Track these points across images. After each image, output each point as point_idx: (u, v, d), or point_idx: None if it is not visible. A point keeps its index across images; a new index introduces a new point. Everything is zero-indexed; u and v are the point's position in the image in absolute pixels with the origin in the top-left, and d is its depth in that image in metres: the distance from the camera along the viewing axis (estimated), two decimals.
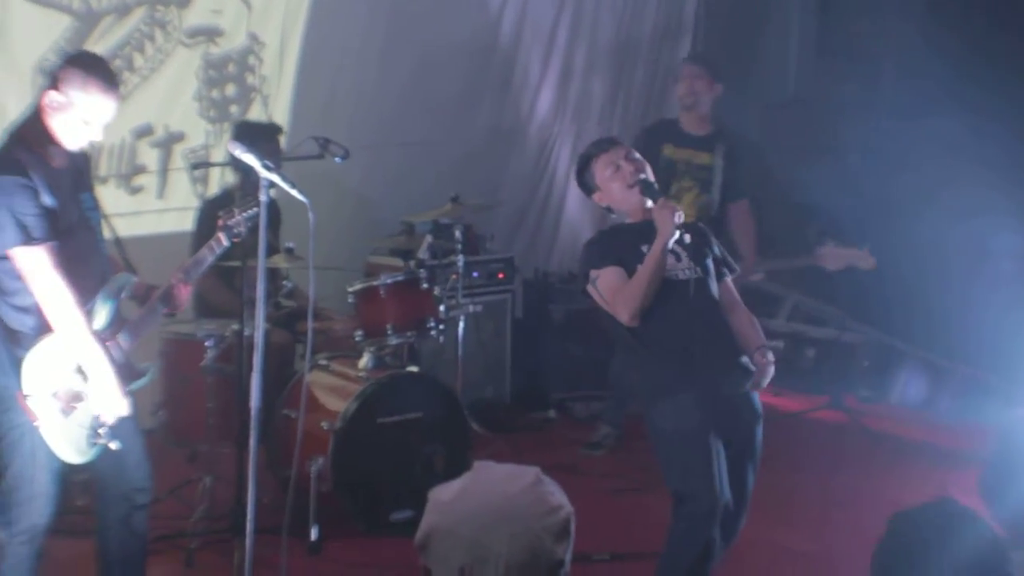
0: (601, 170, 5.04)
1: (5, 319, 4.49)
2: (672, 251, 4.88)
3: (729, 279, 5.14)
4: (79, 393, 4.54)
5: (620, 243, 5.02)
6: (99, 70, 4.59)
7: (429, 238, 7.72)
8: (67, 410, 4.52)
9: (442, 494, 2.25)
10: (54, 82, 4.51)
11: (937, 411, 8.34)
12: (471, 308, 7.33)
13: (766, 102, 10.20)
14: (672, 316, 4.86)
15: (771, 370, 4.99)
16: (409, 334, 6.61)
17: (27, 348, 4.48)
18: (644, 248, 4.90)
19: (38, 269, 4.39)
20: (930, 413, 8.32)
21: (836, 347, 8.90)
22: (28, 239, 4.37)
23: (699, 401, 4.83)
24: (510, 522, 2.15)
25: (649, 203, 4.96)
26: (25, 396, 4.44)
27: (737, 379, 4.95)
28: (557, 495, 2.24)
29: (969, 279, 7.95)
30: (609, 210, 5.15)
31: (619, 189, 5.00)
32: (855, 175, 8.83)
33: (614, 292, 4.90)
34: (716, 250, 5.13)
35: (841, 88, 9.53)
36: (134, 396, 4.69)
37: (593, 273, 4.98)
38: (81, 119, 4.51)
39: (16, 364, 4.47)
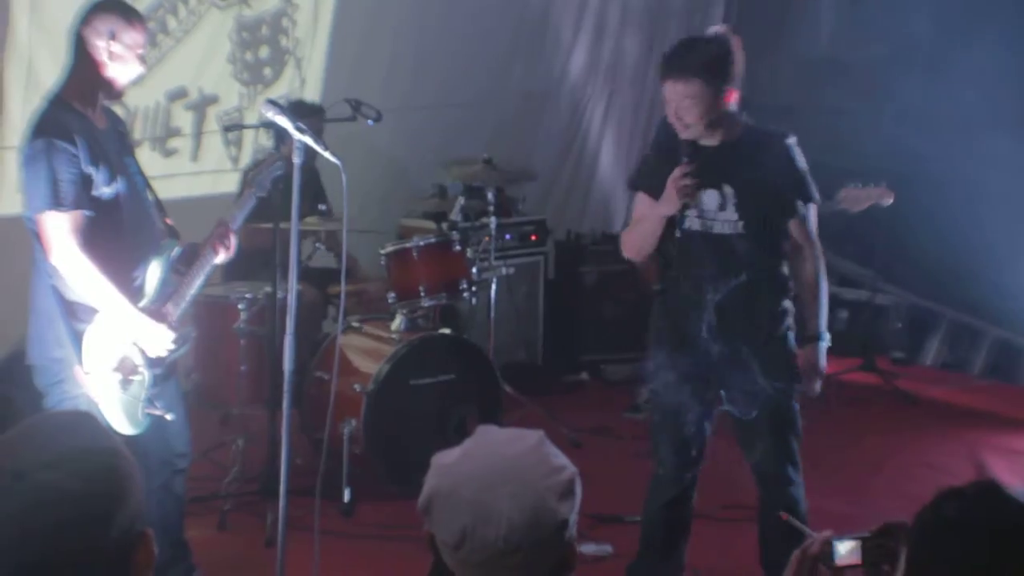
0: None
1: (63, 291, 4.44)
2: (718, 192, 4.57)
3: (808, 211, 4.75)
4: (137, 366, 4.53)
5: (668, 169, 4.59)
6: (126, 6, 4.59)
7: (461, 200, 7.70)
8: (126, 383, 4.51)
9: (444, 458, 2.25)
10: (97, 34, 4.45)
11: (970, 373, 8.29)
12: (503, 270, 7.31)
13: (799, 60, 10.11)
14: (695, 272, 4.60)
15: (813, 377, 4.74)
16: (441, 296, 6.62)
17: (87, 320, 4.45)
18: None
19: (59, 236, 4.33)
20: (963, 375, 8.27)
21: (869, 309, 8.85)
22: (57, 204, 4.32)
23: (684, 362, 4.62)
24: (512, 482, 2.15)
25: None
26: (85, 372, 4.42)
27: (736, 351, 4.61)
28: (561, 457, 2.24)
29: (1006, 241, 7.88)
30: None
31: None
32: (889, 133, 8.75)
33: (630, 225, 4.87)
34: (789, 178, 4.64)
35: (876, 45, 9.42)
36: (174, 361, 4.72)
37: (631, 190, 5.05)
38: (136, 56, 4.51)
39: (76, 337, 4.44)
